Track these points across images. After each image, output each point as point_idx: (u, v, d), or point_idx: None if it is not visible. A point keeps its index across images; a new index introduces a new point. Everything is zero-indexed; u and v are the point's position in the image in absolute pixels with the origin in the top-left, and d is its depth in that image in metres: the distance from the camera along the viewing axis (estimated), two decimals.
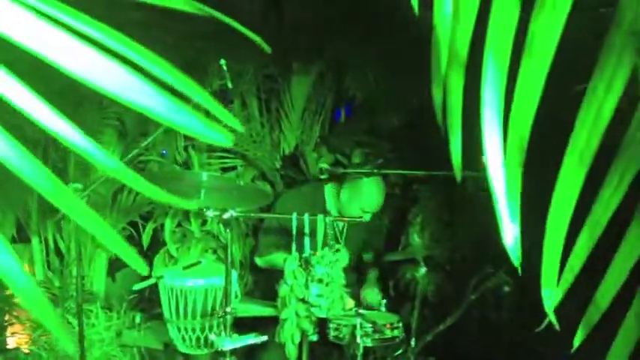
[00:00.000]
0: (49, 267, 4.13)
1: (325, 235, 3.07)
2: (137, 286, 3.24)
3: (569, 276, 0.66)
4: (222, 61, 3.27)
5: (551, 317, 0.67)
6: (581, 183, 0.66)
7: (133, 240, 4.26)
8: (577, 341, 0.68)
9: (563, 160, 0.67)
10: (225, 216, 3.06)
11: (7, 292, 3.64)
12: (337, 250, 2.96)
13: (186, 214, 4.14)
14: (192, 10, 0.54)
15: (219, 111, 0.51)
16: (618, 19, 0.58)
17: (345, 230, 3.63)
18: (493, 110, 0.64)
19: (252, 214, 3.47)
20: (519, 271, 0.66)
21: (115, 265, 4.31)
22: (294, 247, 2.94)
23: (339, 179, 3.52)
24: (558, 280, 0.66)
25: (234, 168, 4.33)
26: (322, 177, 3.55)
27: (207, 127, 0.47)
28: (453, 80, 0.68)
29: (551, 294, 0.64)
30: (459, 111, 0.69)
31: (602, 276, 0.73)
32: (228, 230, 3.14)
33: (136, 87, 0.47)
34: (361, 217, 3.18)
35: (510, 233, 0.64)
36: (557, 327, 0.67)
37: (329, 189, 3.56)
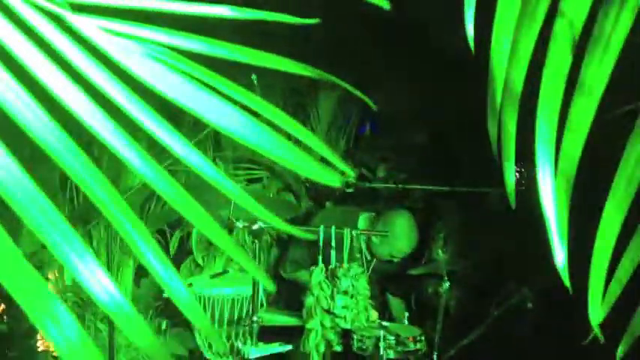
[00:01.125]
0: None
1: (351, 248, 3.14)
2: (166, 294, 3.32)
3: (615, 289, 0.72)
4: (254, 77, 3.35)
5: (597, 331, 0.73)
6: (621, 220, 0.72)
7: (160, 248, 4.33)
8: (621, 351, 0.73)
9: (605, 206, 0.73)
10: (255, 227, 3.14)
11: None
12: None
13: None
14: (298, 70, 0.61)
15: (330, 155, 0.58)
16: None
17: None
18: (545, 143, 0.71)
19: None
20: (570, 290, 0.73)
21: (141, 271, 4.39)
22: (320, 259, 3.00)
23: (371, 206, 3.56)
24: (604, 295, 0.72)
25: (259, 180, 4.40)
26: (348, 190, 3.61)
27: (321, 170, 0.54)
28: (508, 113, 0.75)
29: (597, 309, 0.71)
30: (513, 141, 0.76)
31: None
32: (256, 241, 3.22)
33: (257, 131, 0.55)
34: (386, 232, 3.24)
35: (560, 255, 0.71)
36: (602, 341, 0.73)
37: (362, 220, 3.57)
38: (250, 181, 4.42)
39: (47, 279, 4.05)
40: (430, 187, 3.54)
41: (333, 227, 3.08)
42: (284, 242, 4.03)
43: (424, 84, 4.05)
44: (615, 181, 0.72)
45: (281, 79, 4.29)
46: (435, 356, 3.19)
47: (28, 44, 0.50)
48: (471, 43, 0.76)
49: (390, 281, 3.81)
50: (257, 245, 3.26)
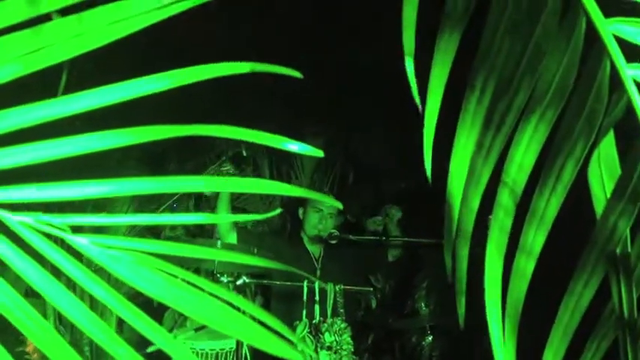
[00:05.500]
0: (60, 321, 4.18)
1: (335, 303, 3.16)
2: (150, 349, 3.31)
3: None
4: (243, 151, 3.41)
5: None
6: (562, 355, 0.78)
7: (144, 295, 4.32)
8: None
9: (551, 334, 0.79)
10: (239, 282, 3.16)
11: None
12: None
13: (197, 271, 4.22)
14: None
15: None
16: (594, 238, 0.71)
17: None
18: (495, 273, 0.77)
19: (265, 282, 3.55)
20: None
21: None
22: (304, 313, 3.02)
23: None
24: None
25: (244, 228, 4.42)
26: (332, 242, 3.64)
27: (286, 349, 0.58)
28: (462, 250, 0.81)
29: None
30: (464, 279, 0.82)
31: None
32: (240, 296, 3.23)
33: (239, 323, 0.59)
34: (371, 289, 3.28)
35: None
36: None
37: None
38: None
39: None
40: (416, 240, 3.57)
41: (317, 282, 3.11)
42: (267, 290, 4.04)
43: (407, 133, 4.12)
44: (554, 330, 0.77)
45: (263, 126, 4.33)
46: None
47: (29, 262, 0.56)
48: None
49: (373, 331, 3.83)
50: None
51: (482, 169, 0.83)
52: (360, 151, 4.63)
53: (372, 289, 3.26)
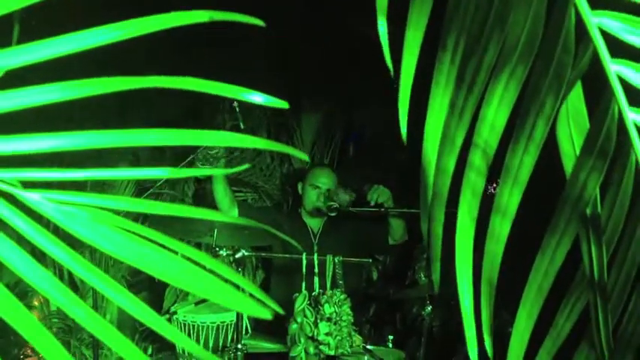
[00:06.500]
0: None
1: (334, 274, 3.16)
2: None
3: None
4: (235, 104, 3.37)
5: None
6: (535, 317, 0.76)
7: (144, 272, 4.35)
8: None
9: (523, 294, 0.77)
10: (238, 255, 3.16)
11: None
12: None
13: (198, 246, 4.23)
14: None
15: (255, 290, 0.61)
16: (564, 197, 0.69)
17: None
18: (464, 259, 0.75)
19: (263, 254, 3.56)
20: None
21: None
22: (303, 285, 3.03)
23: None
24: None
25: (244, 201, 4.42)
26: (331, 214, 3.63)
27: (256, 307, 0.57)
28: (437, 214, 0.79)
29: None
30: (439, 243, 0.81)
31: None
32: (240, 269, 3.24)
33: (197, 277, 0.58)
34: (369, 260, 3.27)
35: (474, 347, 0.75)
36: None
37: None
38: None
39: (32, 306, 4.05)
40: (416, 210, 3.54)
41: (316, 254, 3.11)
42: (269, 264, 4.04)
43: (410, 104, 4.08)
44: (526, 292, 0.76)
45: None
46: None
47: None
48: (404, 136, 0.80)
49: (374, 303, 3.84)
50: (241, 273, 3.28)
51: (456, 130, 0.81)
52: (360, 123, 4.60)
53: (370, 260, 3.25)
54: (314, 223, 3.85)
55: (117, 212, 0.63)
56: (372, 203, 3.54)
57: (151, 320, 0.61)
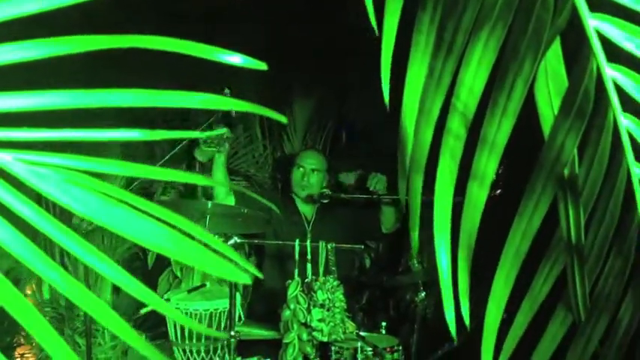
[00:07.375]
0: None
1: (327, 261, 3.16)
2: (144, 310, 3.32)
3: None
4: (227, 90, 3.35)
5: None
6: (513, 279, 0.76)
7: (139, 260, 4.35)
8: None
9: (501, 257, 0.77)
10: (230, 242, 3.16)
11: None
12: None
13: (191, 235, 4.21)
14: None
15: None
16: (542, 159, 0.68)
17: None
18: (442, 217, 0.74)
19: (256, 241, 3.55)
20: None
21: None
22: (296, 272, 3.02)
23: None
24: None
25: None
26: (324, 201, 3.63)
27: (234, 271, 0.56)
28: (415, 182, 0.78)
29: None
30: (417, 212, 0.80)
31: None
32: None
33: (174, 240, 0.57)
34: (362, 247, 3.27)
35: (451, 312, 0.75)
36: None
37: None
38: None
39: (25, 294, 4.04)
40: (404, 197, 3.54)
41: (309, 241, 3.10)
42: (261, 251, 4.04)
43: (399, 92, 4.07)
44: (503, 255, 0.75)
45: (253, 90, 4.29)
46: None
47: None
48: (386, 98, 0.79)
49: (367, 290, 3.84)
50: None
51: (434, 97, 0.80)
52: (353, 110, 4.59)
53: (363, 246, 3.25)
54: (307, 211, 3.84)
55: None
56: (372, 189, 3.55)
57: (148, 298, 0.60)
